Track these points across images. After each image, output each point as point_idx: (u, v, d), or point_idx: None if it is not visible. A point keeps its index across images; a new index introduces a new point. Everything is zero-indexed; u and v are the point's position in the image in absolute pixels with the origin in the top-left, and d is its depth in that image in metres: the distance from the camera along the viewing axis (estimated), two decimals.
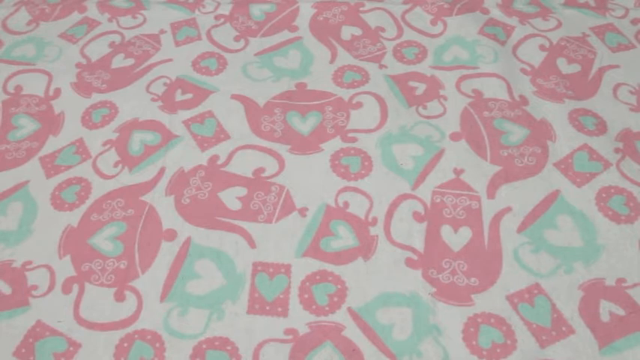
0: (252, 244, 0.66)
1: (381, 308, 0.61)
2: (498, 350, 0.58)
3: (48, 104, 0.81)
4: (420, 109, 0.79)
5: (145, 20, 0.93)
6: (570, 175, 0.71)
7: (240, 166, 0.73)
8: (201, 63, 0.86)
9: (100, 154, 0.75)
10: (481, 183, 0.71)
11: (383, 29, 0.91)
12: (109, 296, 0.62)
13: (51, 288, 0.63)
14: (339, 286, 0.63)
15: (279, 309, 0.62)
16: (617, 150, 0.73)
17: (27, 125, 0.78)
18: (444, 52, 0.87)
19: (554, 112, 0.78)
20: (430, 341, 0.59)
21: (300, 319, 0.61)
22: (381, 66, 0.85)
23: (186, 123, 0.78)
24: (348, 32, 0.90)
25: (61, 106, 0.80)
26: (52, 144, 0.76)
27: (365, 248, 0.66)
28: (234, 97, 0.81)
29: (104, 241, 0.67)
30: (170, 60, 0.86)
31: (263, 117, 0.78)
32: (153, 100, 0.81)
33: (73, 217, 0.69)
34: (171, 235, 0.67)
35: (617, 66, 0.84)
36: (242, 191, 0.71)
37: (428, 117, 0.78)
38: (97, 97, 0.81)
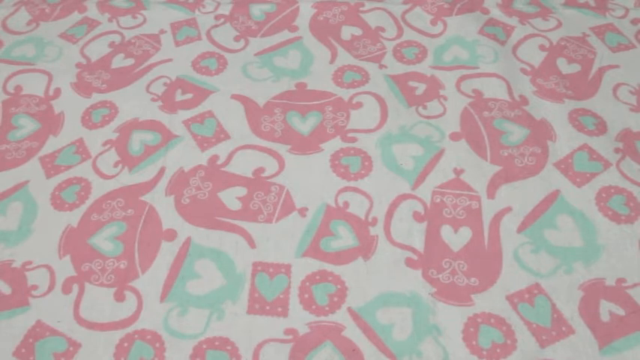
0: (252, 244, 0.66)
1: (381, 308, 0.61)
2: (498, 350, 0.58)
3: (48, 104, 0.81)
4: (420, 109, 0.79)
5: (144, 20, 0.93)
6: (570, 175, 0.71)
7: (240, 166, 0.73)
8: (201, 63, 0.86)
9: (100, 154, 0.75)
10: (481, 183, 0.71)
11: (383, 29, 0.91)
12: (109, 296, 0.62)
13: (51, 288, 0.63)
14: (339, 286, 0.63)
15: (279, 309, 0.62)
16: (617, 150, 0.73)
17: (27, 125, 0.78)
18: (444, 52, 0.87)
19: (554, 112, 0.78)
20: (430, 341, 0.59)
21: (300, 319, 0.61)
22: (381, 66, 0.85)
23: (186, 123, 0.78)
24: (348, 32, 0.90)
25: (61, 106, 0.80)
26: (52, 144, 0.76)
27: (365, 248, 0.66)
28: (234, 97, 0.81)
29: (104, 241, 0.67)
30: (170, 60, 0.86)
31: (263, 117, 0.78)
32: (153, 100, 0.81)
33: (73, 217, 0.69)
34: (171, 235, 0.67)
35: (617, 66, 0.84)
36: (242, 191, 0.71)
37: (428, 117, 0.78)
38: (97, 97, 0.81)
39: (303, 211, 0.69)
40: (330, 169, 0.73)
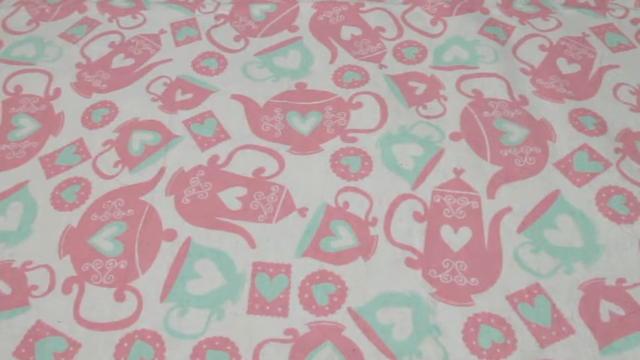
0: (252, 244, 0.66)
1: (381, 308, 0.61)
2: (498, 350, 0.58)
3: (48, 104, 0.81)
4: (420, 109, 0.79)
5: (144, 20, 0.93)
6: (570, 175, 0.71)
7: (240, 166, 0.73)
8: (201, 63, 0.86)
9: (100, 154, 0.75)
10: (481, 183, 0.71)
11: (383, 29, 0.91)
12: (109, 296, 0.62)
13: (51, 288, 0.63)
14: (339, 286, 0.63)
15: (279, 309, 0.62)
16: (617, 150, 0.73)
17: (27, 125, 0.78)
18: (444, 52, 0.87)
19: (554, 112, 0.78)
20: (430, 341, 0.59)
21: (300, 319, 0.61)
22: (381, 66, 0.85)
23: (186, 123, 0.78)
24: (348, 32, 0.90)
25: (61, 106, 0.80)
26: (52, 144, 0.76)
27: (365, 248, 0.66)
28: (234, 97, 0.81)
29: (104, 241, 0.67)
30: (170, 60, 0.86)
31: (263, 117, 0.78)
32: (153, 100, 0.81)
33: (73, 217, 0.69)
34: (171, 235, 0.67)
35: (617, 66, 0.84)
36: (242, 191, 0.71)
37: (428, 117, 0.78)
38: (97, 97, 0.81)
39: (303, 211, 0.69)
40: (330, 169, 0.73)
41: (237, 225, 0.68)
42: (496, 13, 0.93)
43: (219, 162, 0.74)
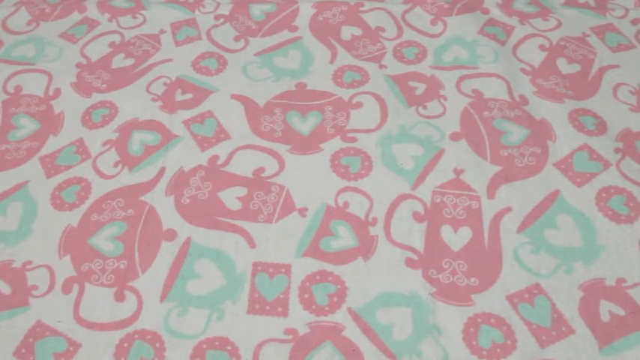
0: (252, 244, 0.66)
1: (381, 308, 0.61)
2: (498, 350, 0.58)
3: (48, 104, 0.81)
4: (420, 109, 0.79)
5: (145, 20, 0.93)
6: (570, 175, 0.71)
7: (240, 166, 0.73)
8: (201, 63, 0.86)
9: (100, 154, 0.75)
10: (481, 183, 0.71)
11: (383, 29, 0.91)
12: (108, 296, 0.62)
13: (51, 288, 0.63)
14: (339, 286, 0.63)
15: (279, 309, 0.62)
16: (617, 150, 0.73)
17: (27, 125, 0.78)
18: (444, 52, 0.87)
19: (554, 112, 0.78)
20: (430, 341, 0.59)
21: (300, 319, 0.61)
22: (381, 66, 0.85)
23: (186, 123, 0.78)
24: (348, 32, 0.90)
25: (61, 106, 0.80)
26: (52, 144, 0.76)
27: (365, 248, 0.66)
28: (234, 97, 0.81)
29: (104, 241, 0.67)
30: (170, 60, 0.86)
31: (263, 117, 0.78)
32: (153, 100, 0.81)
33: (73, 217, 0.68)
34: (171, 235, 0.67)
35: (617, 66, 0.84)
36: (242, 191, 0.71)
37: (428, 117, 0.78)
38: (97, 97, 0.81)
39: (303, 211, 0.69)
40: (330, 169, 0.73)
41: (237, 225, 0.68)
42: (496, 13, 0.93)
43: (219, 162, 0.74)
